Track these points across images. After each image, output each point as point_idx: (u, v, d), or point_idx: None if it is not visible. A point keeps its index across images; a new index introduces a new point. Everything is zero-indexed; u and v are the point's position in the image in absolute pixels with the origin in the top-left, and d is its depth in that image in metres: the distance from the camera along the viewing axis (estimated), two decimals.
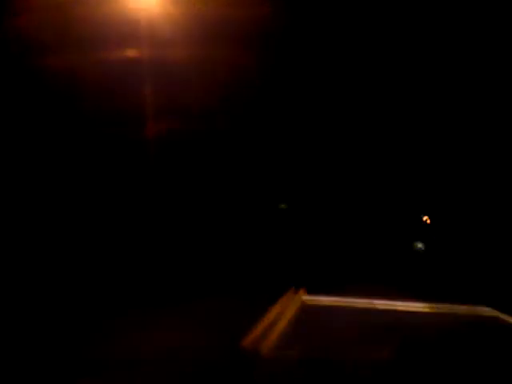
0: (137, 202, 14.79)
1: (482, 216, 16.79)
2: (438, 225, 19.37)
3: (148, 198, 15.07)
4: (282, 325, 6.89)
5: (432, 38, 13.32)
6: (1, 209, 11.32)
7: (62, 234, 12.25)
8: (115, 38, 11.40)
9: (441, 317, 8.31)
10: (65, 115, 12.83)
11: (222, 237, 16.20)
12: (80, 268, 10.44)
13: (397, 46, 13.61)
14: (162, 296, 8.78)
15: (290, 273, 12.41)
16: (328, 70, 14.23)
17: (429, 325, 7.62)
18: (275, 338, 6.17)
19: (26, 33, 11.33)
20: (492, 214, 16.51)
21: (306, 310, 8.09)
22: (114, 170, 14.09)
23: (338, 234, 18.49)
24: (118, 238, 13.20)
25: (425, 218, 20.05)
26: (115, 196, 14.18)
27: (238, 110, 14.55)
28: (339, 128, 16.97)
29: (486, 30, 12.65)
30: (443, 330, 7.13)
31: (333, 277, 12.60)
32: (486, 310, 8.71)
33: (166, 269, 11.86)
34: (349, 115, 16.43)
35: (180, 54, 11.87)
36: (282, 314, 7.56)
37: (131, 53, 11.51)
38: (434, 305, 8.96)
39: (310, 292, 9.51)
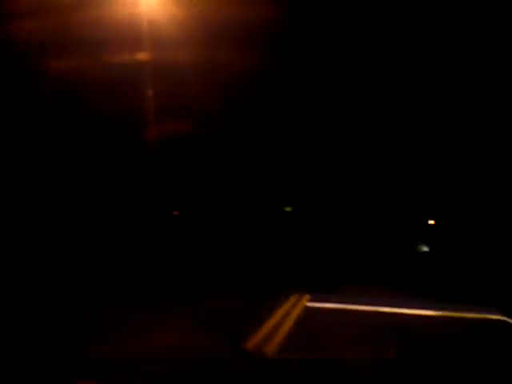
0: (140, 202, 14.77)
1: (488, 218, 16.72)
2: (443, 227, 19.29)
3: (152, 199, 15.07)
4: (285, 327, 6.85)
5: (437, 41, 13.31)
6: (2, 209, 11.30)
7: (64, 234, 12.22)
8: (118, 40, 11.43)
9: (446, 319, 8.24)
10: (68, 118, 12.83)
11: (226, 238, 16.20)
12: (80, 267, 10.39)
13: (406, 51, 13.62)
14: (166, 296, 8.73)
15: (294, 274, 12.37)
16: (335, 72, 14.23)
17: (433, 327, 7.58)
18: (278, 340, 6.14)
19: (29, 36, 11.36)
20: (498, 216, 16.42)
21: (309, 313, 8.01)
22: (117, 172, 14.06)
23: (342, 235, 18.46)
24: (121, 237, 13.17)
25: (430, 220, 19.99)
26: (118, 197, 14.15)
27: (242, 112, 14.55)
28: (344, 130, 16.96)
29: (486, 30, 12.64)
30: (448, 333, 7.07)
31: (337, 278, 12.54)
32: (493, 313, 8.62)
33: (171, 269, 11.83)
34: (354, 118, 16.43)
35: (183, 56, 11.90)
36: (285, 316, 7.49)
37: (134, 55, 11.52)
38: (438, 307, 8.85)
39: (314, 293, 9.44)
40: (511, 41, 12.54)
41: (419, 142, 17.66)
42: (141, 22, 10.94)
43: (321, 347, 5.82)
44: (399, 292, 10.87)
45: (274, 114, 15.73)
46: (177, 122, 13.94)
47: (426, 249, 18.99)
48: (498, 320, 8.35)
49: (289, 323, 7.09)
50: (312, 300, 9.05)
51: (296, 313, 7.87)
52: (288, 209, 20.21)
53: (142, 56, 11.44)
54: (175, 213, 17.29)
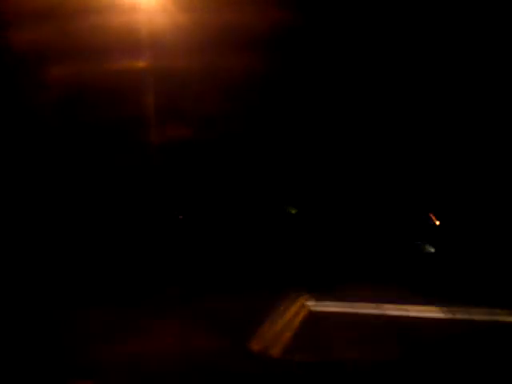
0: (141, 204, 14.78)
1: (496, 215, 16.53)
2: (450, 225, 19.09)
3: (154, 201, 15.07)
4: (288, 328, 6.78)
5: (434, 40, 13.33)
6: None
7: (67, 236, 12.21)
8: (118, 46, 11.44)
9: (453, 320, 8.10)
10: (68, 124, 12.84)
11: (228, 238, 16.17)
12: (80, 268, 10.35)
13: (407, 49, 13.62)
14: (166, 296, 8.67)
15: (296, 274, 12.25)
16: (337, 72, 14.23)
17: (437, 328, 7.45)
18: (282, 341, 6.09)
19: (28, 44, 11.40)
20: (506, 213, 16.25)
21: (311, 314, 7.94)
22: (118, 178, 14.06)
23: (345, 235, 18.34)
24: (121, 239, 13.14)
25: (433, 218, 19.79)
26: (119, 199, 14.15)
27: (245, 114, 14.55)
28: (344, 128, 16.93)
29: (486, 30, 12.65)
30: (456, 334, 6.93)
31: (339, 278, 12.39)
32: (501, 315, 8.38)
33: (172, 269, 11.77)
34: (355, 116, 16.41)
35: (184, 61, 11.90)
36: (288, 317, 7.38)
37: (135, 62, 11.55)
38: (443, 308, 8.69)
39: (316, 293, 9.33)
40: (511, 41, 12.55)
41: (425, 142, 17.58)
42: (141, 28, 10.98)
43: (324, 348, 5.77)
44: (403, 292, 10.69)
45: (276, 116, 15.73)
46: (179, 126, 13.96)
47: (429, 247, 18.83)
48: (507, 322, 8.12)
49: (291, 324, 7.07)
50: (314, 300, 8.94)
51: (298, 313, 7.83)
52: (293, 211, 20.17)
53: (143, 62, 11.49)
54: (180, 217, 17.32)
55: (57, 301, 7.59)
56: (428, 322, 7.94)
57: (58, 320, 6.42)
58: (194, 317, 6.98)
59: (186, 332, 6.05)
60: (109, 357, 4.67)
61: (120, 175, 14.18)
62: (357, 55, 13.51)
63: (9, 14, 10.54)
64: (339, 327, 7.04)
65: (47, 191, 12.72)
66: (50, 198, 12.79)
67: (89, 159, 13.52)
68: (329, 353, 5.56)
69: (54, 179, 12.94)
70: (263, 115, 15.40)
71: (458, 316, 8.37)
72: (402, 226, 19.73)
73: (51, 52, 11.12)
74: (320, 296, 9.10)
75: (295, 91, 14.78)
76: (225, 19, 11.50)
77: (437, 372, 4.56)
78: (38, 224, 11.95)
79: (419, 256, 17.69)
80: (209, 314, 7.21)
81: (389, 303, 8.71)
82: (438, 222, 19.44)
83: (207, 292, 9.24)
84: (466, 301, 9.26)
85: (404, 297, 9.48)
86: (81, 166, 13.41)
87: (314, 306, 8.57)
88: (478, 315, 8.29)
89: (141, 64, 11.71)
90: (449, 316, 8.36)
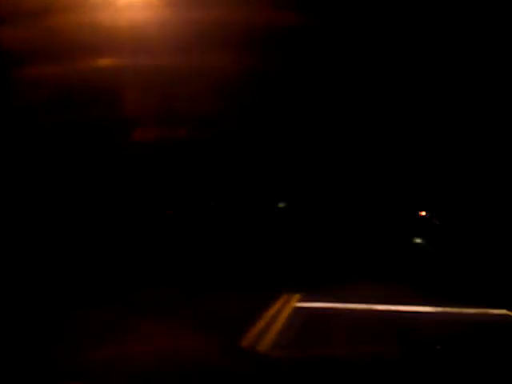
0: (130, 203, 14.75)
1: (494, 214, 16.67)
2: (449, 224, 19.18)
3: (142, 198, 15.04)
4: (278, 325, 6.90)
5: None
6: None
7: (58, 234, 12.14)
8: (102, 44, 11.35)
9: (448, 318, 8.08)
10: (51, 124, 12.71)
11: (219, 235, 16.21)
12: (72, 267, 10.34)
13: (399, 44, 13.73)
14: (157, 293, 8.78)
15: (287, 272, 12.36)
16: (319, 64, 14.29)
17: (434, 324, 7.51)
18: (272, 337, 6.21)
19: (10, 43, 11.24)
20: (503, 212, 16.40)
21: (301, 312, 8.05)
22: (103, 177, 13.97)
23: (338, 231, 18.44)
24: (111, 239, 13.12)
25: (427, 214, 19.91)
26: (106, 199, 14.08)
27: (233, 111, 14.55)
28: (337, 124, 16.99)
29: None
30: (450, 330, 6.99)
31: (332, 275, 12.50)
32: (499, 309, 8.49)
33: (161, 268, 11.82)
34: (346, 112, 16.45)
35: (173, 59, 11.84)
36: (278, 315, 7.54)
37: (123, 60, 11.46)
38: (439, 304, 8.78)
39: (306, 292, 9.48)
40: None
41: (425, 142, 17.71)
42: (130, 25, 10.93)
43: (309, 343, 5.94)
44: (399, 289, 10.78)
45: (267, 113, 15.73)
46: (169, 124, 13.93)
47: (421, 241, 18.98)
48: (504, 315, 8.25)
49: (278, 321, 7.17)
50: (301, 297, 9.11)
51: (288, 312, 7.91)
52: (281, 205, 20.20)
53: (131, 60, 11.41)
54: (169, 212, 17.27)
55: (49, 301, 7.62)
56: (419, 317, 8.03)
57: (49, 320, 6.46)
58: (189, 316, 7.07)
59: (179, 331, 6.13)
60: (105, 357, 4.76)
61: (109, 174, 14.11)
62: (347, 49, 13.59)
63: None
64: (325, 323, 7.26)
65: (35, 190, 12.61)
66: (40, 198, 12.69)
67: (76, 158, 13.42)
68: (314, 348, 5.72)
69: (41, 178, 12.83)
70: (254, 112, 15.40)
71: (448, 310, 8.50)
72: (400, 224, 19.93)
73: (35, 51, 11.01)
74: (307, 293, 9.29)
75: (286, 87, 14.79)
76: (214, 15, 11.48)
77: (430, 367, 4.71)
78: (26, 223, 11.85)
79: (418, 254, 17.82)
80: (200, 313, 7.30)
81: (378, 300, 8.86)
82: (437, 222, 19.57)
83: (196, 291, 9.37)
84: (461, 299, 9.33)
85: (399, 295, 9.64)
86: (69, 164, 13.31)
87: (300, 302, 8.76)
88: (472, 312, 8.37)
89: (128, 62, 11.65)
90: (440, 311, 8.44)
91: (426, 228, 19.71)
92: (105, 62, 11.44)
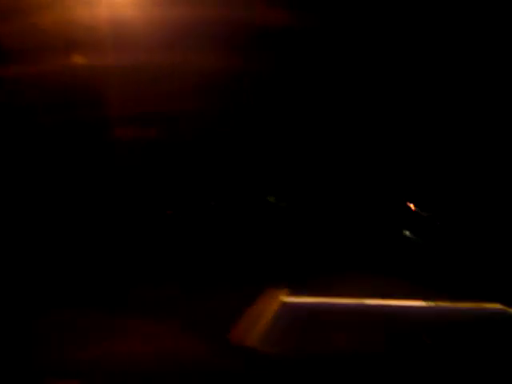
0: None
1: (485, 207, 16.69)
2: (438, 216, 19.16)
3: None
4: (264, 320, 6.95)
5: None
6: None
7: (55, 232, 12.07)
8: (79, 41, 11.28)
9: (440, 311, 8.08)
10: (26, 122, 12.59)
11: (205, 229, 16.18)
12: (66, 266, 10.28)
13: (382, 39, 13.81)
14: (143, 289, 8.78)
15: (275, 266, 12.35)
16: (311, 61, 14.33)
17: (424, 318, 7.51)
18: (257, 332, 6.29)
19: None
20: (496, 206, 16.47)
21: (288, 306, 8.09)
22: (78, 177, 13.85)
23: (328, 225, 18.42)
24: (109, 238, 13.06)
25: (412, 206, 19.88)
26: (86, 197, 13.98)
27: (222, 108, 14.55)
28: (326, 114, 17.00)
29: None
30: (443, 324, 6.97)
31: (320, 269, 12.48)
32: (491, 303, 8.39)
33: (147, 262, 11.79)
34: (335, 102, 16.47)
35: (147, 57, 11.81)
36: (265, 309, 7.57)
37: (99, 57, 11.41)
38: (430, 297, 8.68)
39: (294, 287, 9.49)
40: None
41: (413, 134, 17.74)
42: (106, 24, 10.88)
43: (296, 338, 6.03)
44: (387, 282, 10.74)
45: (255, 108, 15.75)
46: (158, 123, 13.93)
47: (409, 234, 19.00)
48: (497, 309, 8.19)
49: (265, 316, 7.24)
50: (289, 292, 9.12)
51: (275, 307, 7.95)
52: (271, 199, 20.16)
53: (108, 58, 11.36)
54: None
55: (40, 299, 7.63)
56: (408, 311, 8.00)
57: (40, 319, 6.45)
58: (173, 310, 7.14)
59: (162, 326, 6.19)
60: (91, 357, 4.75)
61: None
62: (330, 41, 13.62)
63: None
64: (312, 318, 7.30)
65: (29, 189, 12.52)
66: (35, 197, 12.60)
67: (70, 157, 13.32)
68: (301, 342, 5.77)
69: (36, 178, 12.74)
70: (241, 109, 15.42)
71: (439, 303, 8.43)
72: (389, 216, 19.93)
73: (15, 48, 10.91)
74: (295, 288, 9.31)
75: (273, 83, 14.81)
76: (194, 12, 11.48)
77: (419, 360, 4.73)
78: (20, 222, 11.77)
79: (407, 247, 17.76)
80: (188, 308, 7.34)
81: (366, 294, 8.80)
82: (424, 213, 19.60)
83: (186, 287, 9.34)
84: (452, 292, 9.24)
85: (388, 288, 9.55)
86: (62, 163, 13.19)
87: (287, 297, 8.78)
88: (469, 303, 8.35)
89: (105, 60, 11.59)
90: (428, 305, 8.36)
91: (414, 220, 19.72)
92: (87, 59, 11.40)
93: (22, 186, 12.52)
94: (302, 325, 6.87)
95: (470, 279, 10.71)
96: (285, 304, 8.28)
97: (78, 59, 11.55)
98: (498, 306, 8.24)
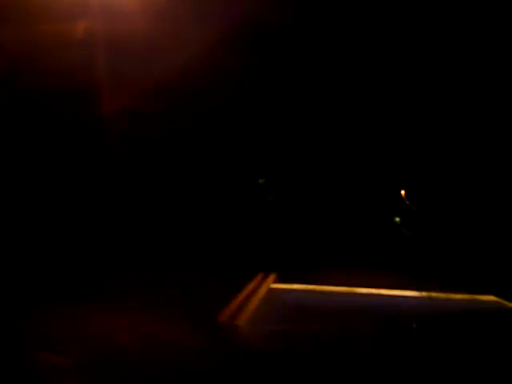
0: (100, 186, 14.56)
1: (484, 202, 16.74)
2: (429, 209, 19.21)
3: (114, 181, 14.86)
4: (254, 304, 7.10)
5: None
6: None
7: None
8: (66, 10, 11.04)
9: (434, 303, 8.04)
10: (9, 95, 12.34)
11: (196, 215, 16.19)
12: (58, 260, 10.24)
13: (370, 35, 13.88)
14: (134, 274, 8.85)
15: (266, 255, 12.41)
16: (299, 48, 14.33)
17: (414, 308, 7.52)
18: (249, 313, 6.44)
19: None
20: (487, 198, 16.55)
21: (275, 292, 8.21)
22: (66, 155, 13.71)
23: (319, 216, 18.47)
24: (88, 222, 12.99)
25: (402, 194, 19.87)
26: (72, 183, 13.86)
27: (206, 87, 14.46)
28: (319, 105, 17.03)
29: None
30: (435, 316, 6.86)
31: (311, 259, 12.53)
32: (485, 295, 8.38)
33: (142, 248, 11.80)
34: (328, 93, 16.50)
35: (136, 28, 11.59)
36: (254, 294, 7.67)
37: (83, 26, 11.17)
38: (421, 289, 8.72)
39: (286, 273, 9.58)
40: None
41: (405, 129, 17.82)
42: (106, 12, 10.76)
43: (291, 320, 6.09)
44: (376, 273, 10.75)
45: (244, 91, 15.69)
46: (136, 97, 13.79)
47: (403, 228, 19.03)
48: (491, 301, 8.18)
49: (257, 301, 7.33)
50: (277, 279, 9.21)
51: (263, 293, 8.03)
52: (261, 181, 20.12)
53: (93, 27, 11.14)
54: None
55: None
56: (397, 300, 8.05)
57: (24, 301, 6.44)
58: (168, 290, 7.25)
59: (158, 304, 6.25)
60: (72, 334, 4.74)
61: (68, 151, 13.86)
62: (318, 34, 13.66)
63: None
64: (297, 304, 7.40)
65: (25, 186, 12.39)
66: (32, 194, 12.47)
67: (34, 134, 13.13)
68: (289, 323, 5.83)
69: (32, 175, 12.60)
70: (238, 96, 15.36)
71: (431, 294, 8.43)
72: (382, 209, 19.99)
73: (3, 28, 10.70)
74: (284, 275, 9.40)
75: (269, 71, 14.79)
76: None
77: (407, 342, 4.75)
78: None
79: (397, 238, 17.77)
80: (183, 290, 7.50)
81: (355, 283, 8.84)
82: (418, 207, 19.64)
83: (181, 270, 9.50)
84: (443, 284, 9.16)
85: (377, 279, 9.55)
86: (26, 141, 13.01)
87: (275, 284, 8.88)
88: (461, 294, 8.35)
89: (91, 29, 11.31)
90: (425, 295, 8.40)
91: (404, 212, 19.80)
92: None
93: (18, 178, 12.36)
94: (287, 309, 6.99)
95: (465, 272, 10.70)
96: (272, 290, 8.39)
97: (65, 26, 11.28)
98: (492, 298, 8.28)
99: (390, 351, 4.55)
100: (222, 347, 4.55)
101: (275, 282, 9.10)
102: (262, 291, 8.11)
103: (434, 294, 8.42)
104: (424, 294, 8.46)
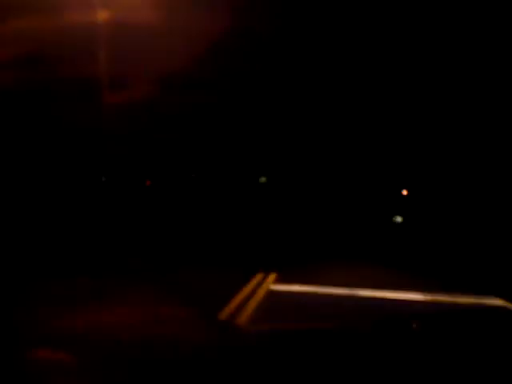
0: (100, 176, 14.56)
1: (487, 202, 16.69)
2: (419, 198, 19.13)
3: (112, 171, 14.87)
4: (253, 303, 7.14)
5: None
6: None
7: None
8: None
9: (436, 305, 7.91)
10: (14, 84, 12.34)
11: (198, 211, 16.17)
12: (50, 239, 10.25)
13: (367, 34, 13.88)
14: (135, 269, 8.87)
15: (265, 250, 12.38)
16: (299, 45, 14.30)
17: (415, 311, 7.43)
18: (249, 313, 6.49)
19: None
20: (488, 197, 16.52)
21: (274, 293, 8.21)
22: (67, 143, 13.70)
23: (317, 210, 18.43)
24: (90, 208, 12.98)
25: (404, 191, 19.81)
26: (70, 172, 13.86)
27: (213, 78, 14.43)
28: (320, 100, 17.01)
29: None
30: (438, 318, 6.88)
31: (310, 255, 12.48)
32: (489, 297, 8.28)
33: (139, 243, 11.80)
34: (329, 88, 16.48)
35: (140, 17, 11.58)
36: (253, 294, 7.69)
37: (88, 16, 11.17)
38: (423, 289, 8.63)
39: (282, 271, 9.54)
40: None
41: (399, 122, 17.80)
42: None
43: (279, 320, 6.18)
44: (375, 271, 10.66)
45: (246, 82, 15.65)
46: (138, 87, 13.78)
47: (400, 220, 18.95)
48: (497, 304, 8.06)
49: (257, 301, 7.36)
50: (276, 278, 9.18)
51: (262, 292, 8.04)
52: (263, 180, 20.13)
53: (97, 17, 11.14)
54: (148, 183, 17.13)
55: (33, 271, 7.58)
56: (397, 302, 7.96)
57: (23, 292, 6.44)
58: (168, 288, 7.23)
59: (158, 302, 6.24)
60: (77, 330, 4.73)
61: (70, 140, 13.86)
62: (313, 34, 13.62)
63: None
64: (297, 304, 7.38)
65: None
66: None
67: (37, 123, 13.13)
68: (288, 323, 5.82)
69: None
70: (238, 81, 15.29)
71: (434, 297, 8.35)
72: (378, 202, 19.87)
73: (6, 6, 10.69)
74: (283, 274, 9.39)
75: (272, 55, 14.73)
76: None
77: (406, 341, 4.72)
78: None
79: (397, 235, 17.61)
80: (183, 288, 7.48)
81: (355, 284, 8.81)
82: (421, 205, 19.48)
83: (180, 267, 9.49)
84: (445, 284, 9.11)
85: (376, 278, 9.47)
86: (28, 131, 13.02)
87: (274, 285, 8.88)
88: (465, 297, 8.23)
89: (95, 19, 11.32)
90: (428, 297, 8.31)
91: (405, 209, 19.70)
92: (81, 18, 11.20)
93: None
94: (287, 309, 7.00)
95: (469, 273, 10.59)
96: (272, 289, 8.38)
97: (72, 18, 11.29)
98: (497, 300, 8.23)
99: (390, 351, 4.54)
100: (221, 346, 4.53)
101: (275, 281, 9.09)
102: (262, 290, 8.14)
103: (436, 295, 8.38)
104: (426, 294, 8.42)
